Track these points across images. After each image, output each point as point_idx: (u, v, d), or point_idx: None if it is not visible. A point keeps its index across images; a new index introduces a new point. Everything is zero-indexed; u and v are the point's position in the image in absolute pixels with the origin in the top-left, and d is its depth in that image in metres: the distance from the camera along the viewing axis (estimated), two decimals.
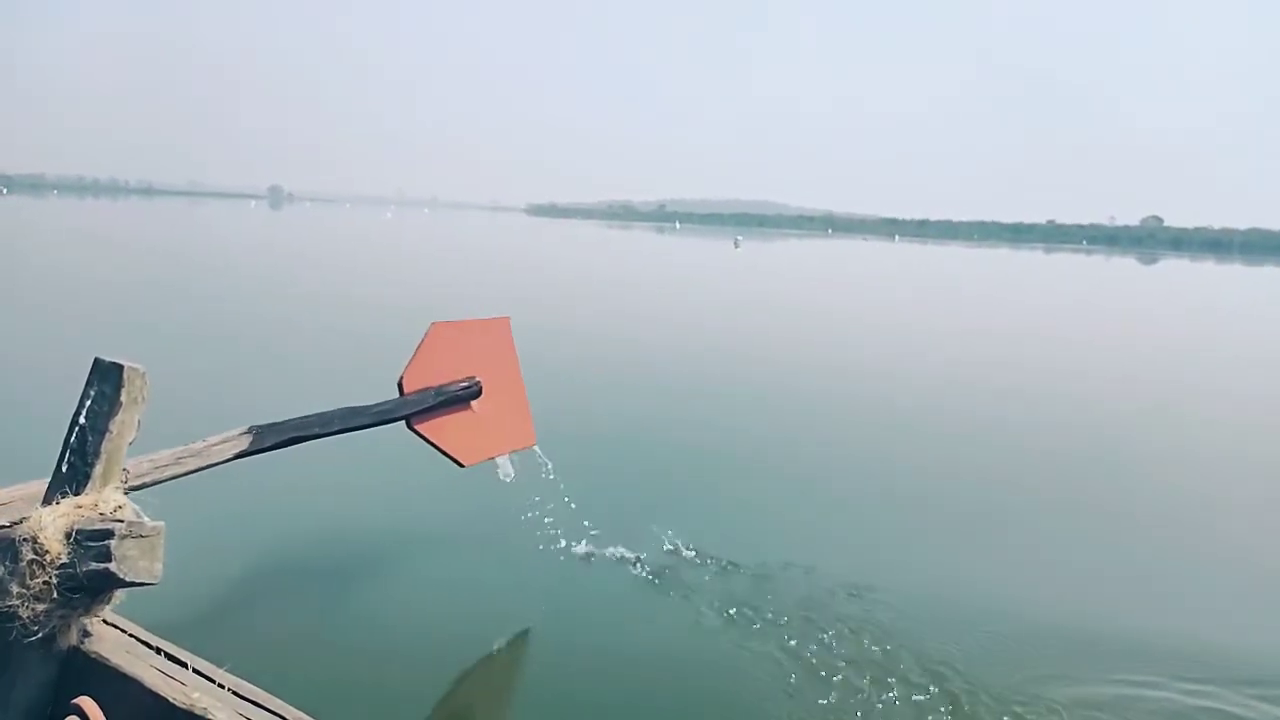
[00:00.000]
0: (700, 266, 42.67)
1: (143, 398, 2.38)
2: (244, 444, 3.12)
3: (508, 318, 4.75)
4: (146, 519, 2.24)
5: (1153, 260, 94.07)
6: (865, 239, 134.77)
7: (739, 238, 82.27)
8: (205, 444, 3.00)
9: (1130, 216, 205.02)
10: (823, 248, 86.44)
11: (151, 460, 2.70)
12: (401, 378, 4.06)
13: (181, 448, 2.85)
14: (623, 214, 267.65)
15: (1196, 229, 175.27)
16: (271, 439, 3.29)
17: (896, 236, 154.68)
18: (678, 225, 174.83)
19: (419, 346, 4.16)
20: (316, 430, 3.51)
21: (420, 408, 4.09)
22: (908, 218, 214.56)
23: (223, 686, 2.04)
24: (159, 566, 2.15)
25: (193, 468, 2.88)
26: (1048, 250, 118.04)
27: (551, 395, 6.74)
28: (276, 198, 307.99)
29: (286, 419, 3.39)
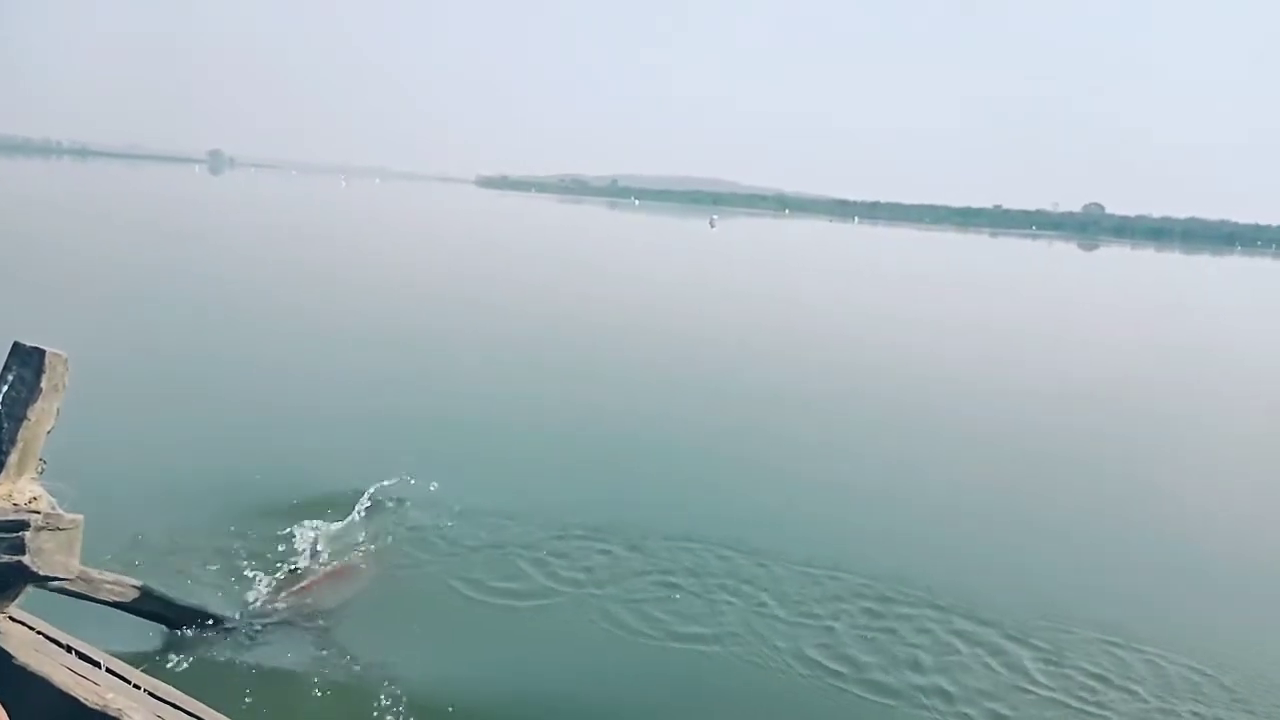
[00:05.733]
0: (711, 252, 40.54)
1: (63, 385, 2.28)
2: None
3: None
4: (64, 511, 2.15)
5: (1093, 246, 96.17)
6: (830, 220, 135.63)
7: (714, 217, 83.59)
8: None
9: (1073, 204, 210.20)
10: (795, 228, 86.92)
11: None
12: None
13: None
14: (575, 188, 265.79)
15: (1138, 216, 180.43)
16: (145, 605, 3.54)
17: (856, 219, 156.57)
18: (636, 202, 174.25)
19: None
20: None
21: None
22: (858, 199, 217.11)
23: (138, 687, 1.96)
24: (75, 562, 2.06)
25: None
26: (993, 234, 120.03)
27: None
28: (217, 162, 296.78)
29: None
